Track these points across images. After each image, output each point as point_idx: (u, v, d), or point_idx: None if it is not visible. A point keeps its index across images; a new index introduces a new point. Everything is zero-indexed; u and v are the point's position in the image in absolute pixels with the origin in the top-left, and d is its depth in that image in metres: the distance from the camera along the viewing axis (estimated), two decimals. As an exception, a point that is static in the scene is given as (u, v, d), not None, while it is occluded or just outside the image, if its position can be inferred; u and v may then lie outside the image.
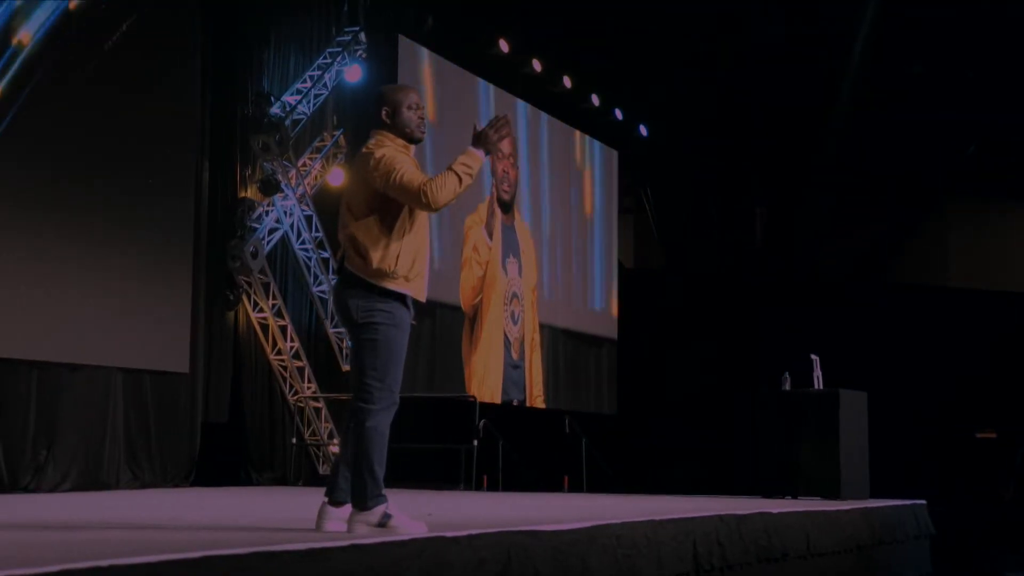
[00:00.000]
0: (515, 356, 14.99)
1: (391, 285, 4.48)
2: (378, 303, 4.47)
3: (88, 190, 9.70)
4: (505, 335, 14.94)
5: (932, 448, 15.72)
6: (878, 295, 17.30)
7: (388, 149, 4.55)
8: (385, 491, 4.52)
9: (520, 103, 15.83)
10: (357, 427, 4.52)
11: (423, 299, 4.62)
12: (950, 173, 17.30)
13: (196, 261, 10.92)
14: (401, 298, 4.53)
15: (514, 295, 15.19)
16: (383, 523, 4.44)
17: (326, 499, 4.64)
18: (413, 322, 4.68)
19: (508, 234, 15.20)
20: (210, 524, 5.14)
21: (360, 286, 4.47)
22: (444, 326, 14.01)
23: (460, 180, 4.47)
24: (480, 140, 4.56)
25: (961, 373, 16.05)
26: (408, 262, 4.51)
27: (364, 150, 4.63)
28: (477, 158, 4.53)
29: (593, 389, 17.23)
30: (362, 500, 4.48)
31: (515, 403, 14.78)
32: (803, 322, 15.98)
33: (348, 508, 4.59)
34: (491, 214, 14.85)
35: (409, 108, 4.62)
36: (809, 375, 9.42)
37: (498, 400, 14.35)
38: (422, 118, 4.66)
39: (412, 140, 4.66)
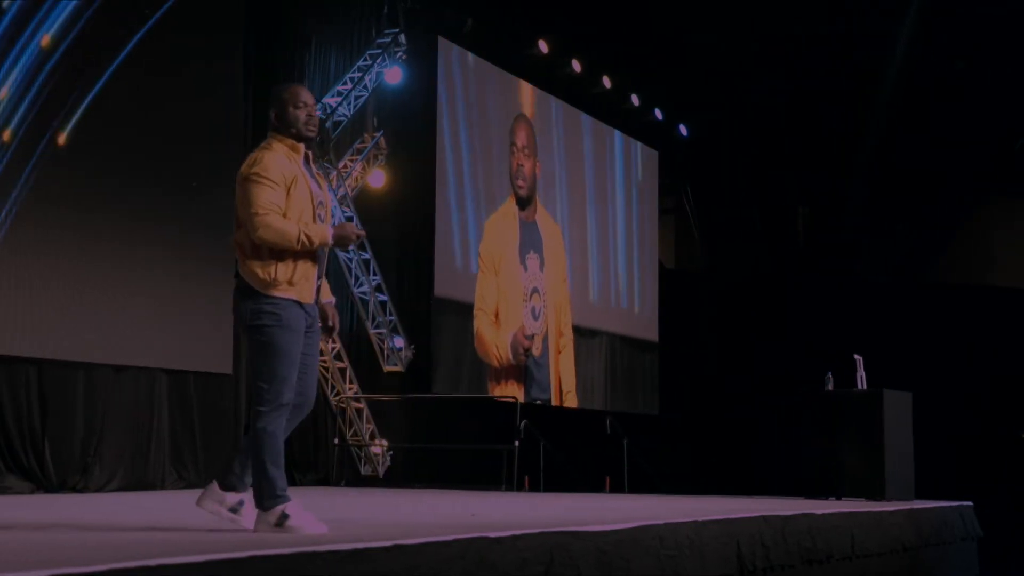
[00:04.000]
0: (536, 354, 14.92)
1: (276, 292, 4.49)
2: (266, 306, 4.47)
3: (132, 192, 9.79)
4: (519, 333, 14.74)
5: (978, 449, 15.55)
6: (922, 294, 17.12)
7: (268, 157, 4.52)
8: (289, 491, 4.53)
9: (560, 103, 15.82)
10: (252, 429, 4.51)
11: (311, 301, 4.60)
12: (995, 170, 17.10)
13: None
14: (291, 301, 4.52)
15: (534, 290, 15.01)
16: (280, 523, 4.43)
17: (215, 479, 4.73)
18: (310, 324, 4.64)
19: (529, 229, 15.06)
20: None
21: (248, 291, 4.51)
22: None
23: (293, 239, 4.45)
24: (341, 228, 4.62)
25: (1006, 373, 15.86)
26: (288, 268, 4.50)
27: (253, 153, 4.61)
28: (324, 237, 4.53)
29: (634, 389, 17.18)
30: (260, 501, 4.49)
31: (538, 402, 14.71)
32: (846, 322, 15.85)
33: (234, 494, 4.67)
34: (511, 214, 14.78)
35: (295, 106, 4.59)
36: (852, 375, 9.35)
37: (521, 399, 14.30)
38: (311, 115, 4.62)
39: (300, 139, 4.62)
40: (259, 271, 4.47)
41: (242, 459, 4.70)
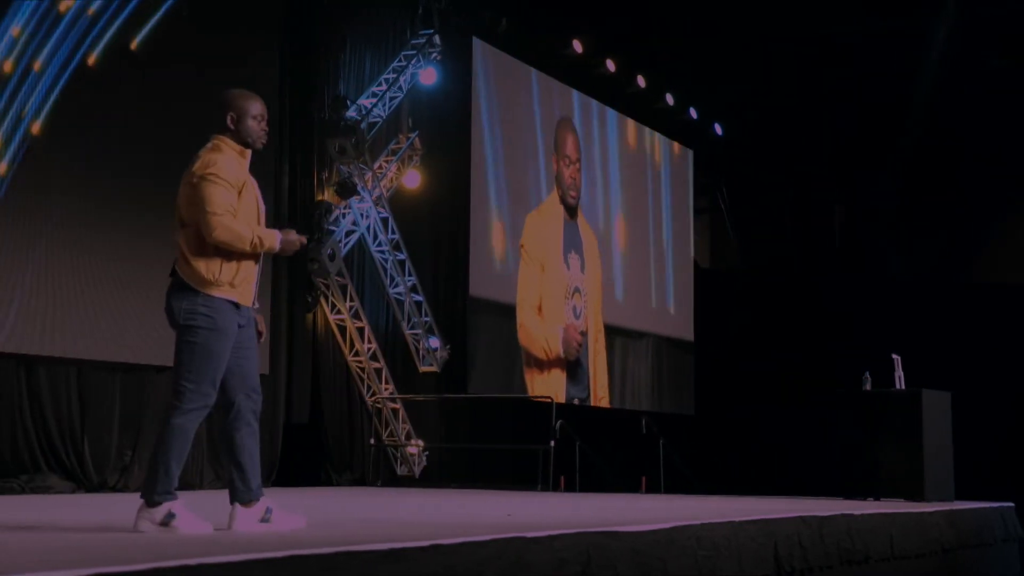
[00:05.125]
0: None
1: (216, 292, 4.54)
2: (201, 308, 4.52)
3: (169, 194, 9.81)
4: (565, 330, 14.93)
5: (1019, 449, 15.39)
6: (960, 293, 16.96)
7: (221, 159, 4.58)
8: (176, 490, 4.51)
9: (594, 103, 15.81)
10: (164, 422, 4.51)
11: (249, 304, 4.67)
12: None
13: (275, 264, 11.06)
14: (228, 303, 4.57)
15: (576, 289, 15.17)
16: (166, 522, 4.41)
17: (237, 503, 4.66)
18: (243, 324, 4.67)
19: (571, 231, 15.24)
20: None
21: (186, 290, 4.55)
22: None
23: (247, 241, 4.54)
24: (287, 234, 4.69)
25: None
26: (232, 269, 4.56)
27: (200, 154, 4.65)
28: (273, 242, 4.62)
29: (669, 389, 17.13)
30: (150, 494, 4.44)
31: (576, 402, 14.79)
32: (883, 321, 15.73)
33: (256, 505, 4.63)
34: (553, 213, 14.90)
35: (254, 118, 4.69)
36: (890, 375, 9.28)
37: (562, 399, 14.42)
38: (264, 130, 4.74)
39: (251, 148, 4.72)
40: (203, 270, 4.53)
41: (236, 469, 4.67)
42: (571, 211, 15.25)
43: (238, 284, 4.60)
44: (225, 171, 4.56)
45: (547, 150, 14.92)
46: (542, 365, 14.39)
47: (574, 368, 15.00)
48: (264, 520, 4.63)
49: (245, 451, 4.71)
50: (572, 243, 15.18)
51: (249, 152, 4.73)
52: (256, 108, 4.71)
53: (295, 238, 4.70)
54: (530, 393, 14.03)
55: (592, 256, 15.57)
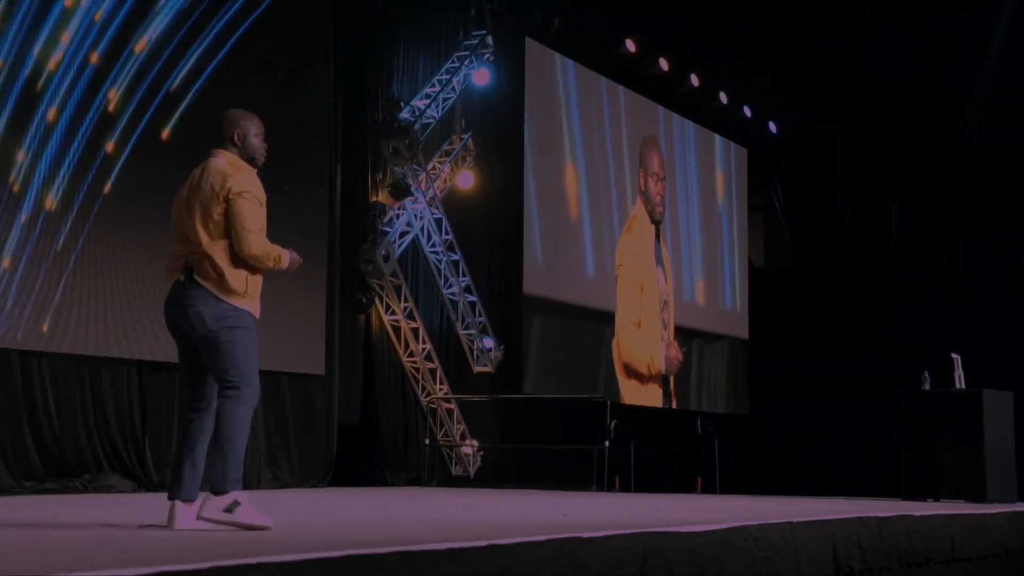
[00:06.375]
0: None
1: (238, 302, 4.81)
2: (230, 312, 4.78)
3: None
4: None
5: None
6: (1020, 291, 16.68)
7: (251, 179, 4.87)
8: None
9: (647, 102, 15.76)
10: (227, 416, 4.69)
11: (258, 315, 4.94)
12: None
13: (330, 265, 11.13)
14: (249, 313, 4.87)
15: (665, 302, 15.61)
16: (230, 508, 4.57)
17: (178, 499, 4.71)
18: None
19: (657, 245, 15.64)
20: (349, 524, 5.24)
21: (212, 298, 4.78)
22: (594, 330, 14.22)
23: (272, 258, 4.85)
24: (293, 254, 4.97)
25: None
26: (254, 283, 4.88)
27: (218, 168, 4.87)
28: (285, 260, 4.93)
29: (725, 389, 17.04)
30: (221, 483, 4.61)
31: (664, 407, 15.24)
32: (942, 320, 15.52)
33: (197, 504, 4.69)
34: (644, 230, 15.31)
35: (256, 136, 5.01)
36: (950, 374, 9.17)
37: (659, 404, 14.79)
38: (266, 147, 5.06)
39: (255, 165, 5.01)
40: (232, 281, 4.78)
41: (191, 469, 4.75)
42: (657, 226, 15.52)
43: (255, 296, 4.88)
44: (257, 190, 4.86)
45: (600, 148, 14.95)
46: (642, 379, 14.84)
47: (666, 379, 15.55)
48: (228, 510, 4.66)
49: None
50: (659, 257, 15.61)
51: (255, 171, 5.03)
52: (259, 127, 5.04)
53: (297, 258, 4.99)
54: (624, 400, 14.34)
55: (670, 266, 15.85)
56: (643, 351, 15.00)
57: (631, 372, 14.74)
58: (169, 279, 4.93)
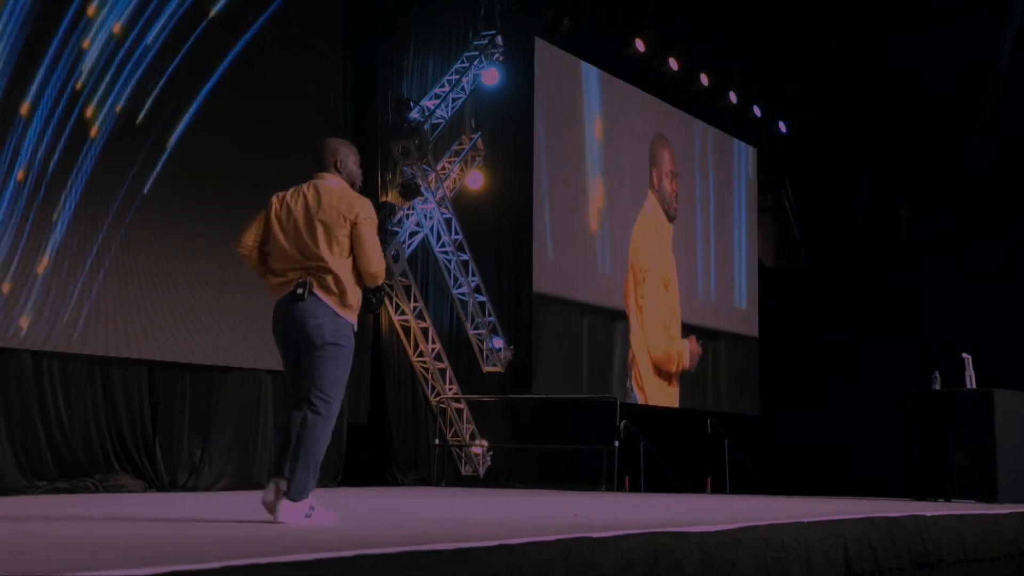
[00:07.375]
0: None
1: (350, 316, 5.18)
2: (343, 328, 5.13)
3: (235, 197, 9.96)
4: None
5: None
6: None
7: (371, 207, 5.23)
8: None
9: (657, 101, 15.75)
10: (313, 426, 5.02)
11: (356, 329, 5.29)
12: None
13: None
14: (352, 325, 5.22)
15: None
16: (308, 514, 4.97)
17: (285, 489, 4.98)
18: None
19: (672, 244, 15.78)
20: (361, 523, 5.25)
21: (328, 312, 5.10)
22: (605, 329, 14.28)
23: (383, 277, 5.31)
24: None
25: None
26: (359, 299, 5.25)
27: (339, 193, 5.18)
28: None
29: (735, 389, 17.02)
30: (301, 491, 4.96)
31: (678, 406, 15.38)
32: (952, 320, 15.48)
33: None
34: (661, 229, 15.43)
35: (356, 164, 5.38)
36: (961, 374, 9.14)
37: (676, 405, 15.00)
38: (361, 176, 5.43)
39: (355, 189, 5.36)
40: (350, 296, 5.15)
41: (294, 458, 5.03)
42: (672, 223, 15.75)
43: (357, 310, 5.24)
44: (375, 215, 5.27)
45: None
46: (669, 378, 15.03)
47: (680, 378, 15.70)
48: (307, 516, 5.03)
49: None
50: (675, 254, 15.82)
51: None
52: (356, 155, 5.41)
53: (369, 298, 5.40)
54: (645, 401, 14.40)
55: (681, 262, 15.93)
56: (672, 349, 15.31)
57: (661, 372, 14.92)
58: (275, 293, 5.17)
